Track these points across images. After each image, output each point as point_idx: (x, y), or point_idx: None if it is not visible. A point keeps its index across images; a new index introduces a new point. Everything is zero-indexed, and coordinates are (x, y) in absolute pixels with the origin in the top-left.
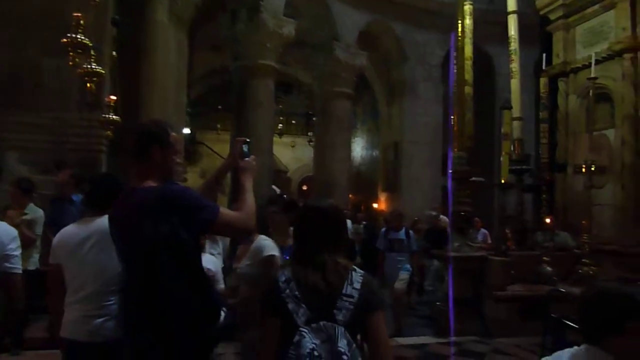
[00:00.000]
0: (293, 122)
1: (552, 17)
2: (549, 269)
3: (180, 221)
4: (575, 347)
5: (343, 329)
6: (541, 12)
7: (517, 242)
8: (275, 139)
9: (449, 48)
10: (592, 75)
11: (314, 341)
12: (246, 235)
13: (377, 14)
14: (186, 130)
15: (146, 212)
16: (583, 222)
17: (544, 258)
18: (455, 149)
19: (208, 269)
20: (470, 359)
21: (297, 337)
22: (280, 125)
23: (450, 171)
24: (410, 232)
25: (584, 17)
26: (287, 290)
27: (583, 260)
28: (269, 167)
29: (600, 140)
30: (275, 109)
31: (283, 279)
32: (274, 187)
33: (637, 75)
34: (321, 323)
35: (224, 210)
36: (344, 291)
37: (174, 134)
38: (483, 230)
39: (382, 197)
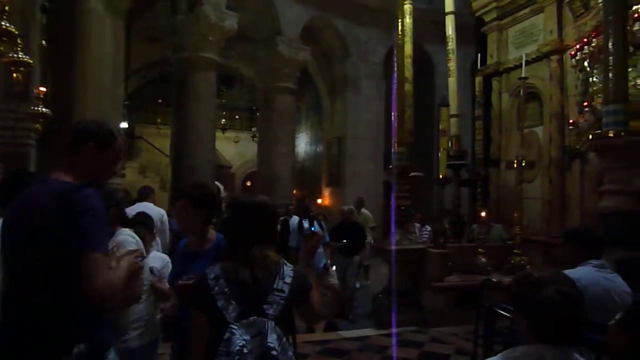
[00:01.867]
0: (237, 117)
1: (486, 18)
2: (483, 259)
3: (63, 228)
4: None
5: (273, 324)
6: (477, 14)
7: (454, 234)
8: (219, 134)
9: (390, 45)
10: (523, 75)
11: (244, 337)
12: (96, 300)
13: (320, 9)
14: (124, 124)
15: (37, 203)
16: (515, 214)
17: (479, 250)
18: (396, 145)
19: (152, 266)
20: (410, 349)
21: (227, 334)
22: (224, 120)
23: (391, 166)
24: (323, 223)
25: (515, 20)
26: (217, 288)
27: (514, 250)
28: (212, 162)
29: (530, 137)
30: (217, 103)
31: (212, 276)
32: (217, 183)
33: (563, 76)
34: (251, 318)
35: (102, 259)
36: (275, 286)
37: (118, 140)
38: (427, 226)
39: (326, 191)
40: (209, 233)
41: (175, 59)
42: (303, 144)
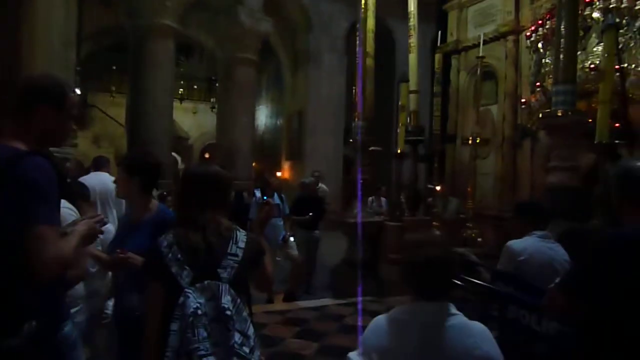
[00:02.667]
0: (195, 87)
1: None
2: (437, 232)
3: (9, 200)
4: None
5: (227, 286)
6: None
7: (411, 208)
8: (176, 104)
9: (353, 20)
10: (480, 54)
11: (199, 300)
12: (46, 275)
13: None
14: (76, 92)
15: None
16: (468, 189)
17: (434, 223)
18: (357, 119)
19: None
20: (366, 317)
21: (182, 299)
22: (181, 90)
23: (352, 140)
24: (283, 195)
25: None
26: (170, 255)
27: (467, 224)
28: (169, 133)
29: (485, 114)
30: (175, 72)
31: (165, 243)
32: (174, 154)
33: (518, 56)
34: (205, 282)
35: (48, 231)
36: (229, 250)
37: (72, 95)
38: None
39: (286, 165)
40: (150, 203)
41: (131, 25)
42: (263, 117)
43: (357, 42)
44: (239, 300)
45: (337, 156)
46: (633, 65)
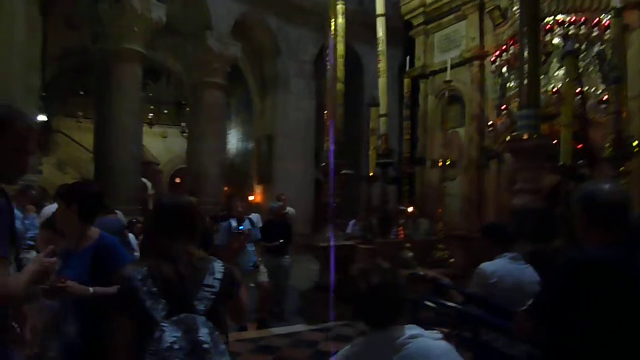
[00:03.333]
0: (165, 111)
1: (414, 22)
2: (409, 254)
3: None
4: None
5: (204, 319)
6: (405, 17)
7: (382, 230)
8: (145, 128)
9: (321, 45)
10: (447, 78)
11: (175, 334)
12: None
13: (252, 5)
14: (41, 117)
15: None
16: (438, 210)
17: (405, 244)
18: (327, 143)
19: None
20: (341, 343)
21: (157, 333)
22: (151, 114)
23: (323, 164)
24: (254, 220)
25: (441, 26)
26: (145, 288)
27: (438, 245)
28: (138, 158)
29: (452, 137)
30: (144, 96)
31: (139, 277)
32: (143, 180)
33: (483, 81)
34: (182, 315)
35: None
36: (204, 281)
37: (20, 122)
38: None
39: (257, 189)
40: (89, 231)
41: (97, 49)
42: (234, 141)
43: (327, 66)
44: (216, 333)
45: (307, 179)
46: (592, 89)
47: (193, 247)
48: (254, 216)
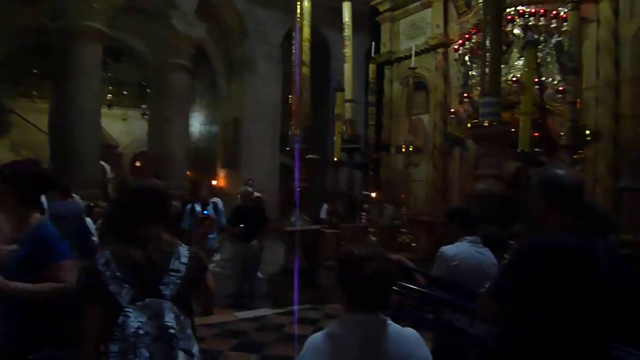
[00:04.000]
0: (125, 92)
1: (381, 8)
2: (373, 238)
3: None
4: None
5: (170, 303)
6: (372, 3)
7: (347, 215)
8: (104, 110)
9: (289, 28)
10: (412, 65)
11: (140, 319)
12: None
13: None
14: None
15: None
16: (402, 196)
17: (370, 229)
18: (293, 128)
19: None
20: (306, 325)
21: (121, 319)
22: (110, 95)
23: (288, 148)
24: (218, 205)
25: (407, 12)
26: (108, 272)
27: (402, 230)
28: (97, 141)
29: (417, 123)
30: (104, 77)
31: (102, 261)
32: (102, 163)
33: (447, 68)
34: (147, 300)
35: None
36: (170, 266)
37: None
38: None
39: (222, 173)
40: (31, 217)
41: (55, 27)
42: (198, 124)
43: (293, 50)
44: (182, 318)
45: (274, 164)
46: (550, 79)
47: (162, 231)
48: (217, 201)
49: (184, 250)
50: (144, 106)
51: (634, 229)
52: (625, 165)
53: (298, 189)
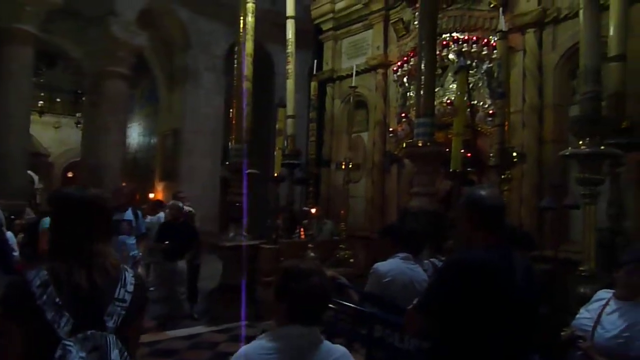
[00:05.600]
0: (58, 99)
1: (324, 27)
2: (312, 254)
3: None
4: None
5: (114, 337)
6: (315, 22)
7: (287, 230)
8: (35, 117)
9: (233, 41)
10: (353, 84)
11: (80, 354)
12: None
13: None
14: None
15: None
16: (342, 212)
17: (309, 245)
18: (233, 142)
19: None
20: (241, 343)
21: (59, 352)
22: (42, 102)
23: (227, 163)
24: (139, 212)
25: (349, 32)
26: (45, 297)
27: (341, 245)
28: (24, 149)
29: (357, 141)
30: (35, 82)
31: (37, 282)
32: (30, 173)
33: (386, 88)
34: (88, 332)
35: None
36: (116, 295)
37: None
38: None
39: (160, 186)
40: None
41: None
42: (136, 135)
43: (235, 64)
44: (126, 354)
45: (214, 177)
46: (481, 103)
47: (108, 248)
48: (160, 215)
49: (129, 277)
50: (78, 114)
51: (554, 246)
52: (547, 186)
53: (238, 204)
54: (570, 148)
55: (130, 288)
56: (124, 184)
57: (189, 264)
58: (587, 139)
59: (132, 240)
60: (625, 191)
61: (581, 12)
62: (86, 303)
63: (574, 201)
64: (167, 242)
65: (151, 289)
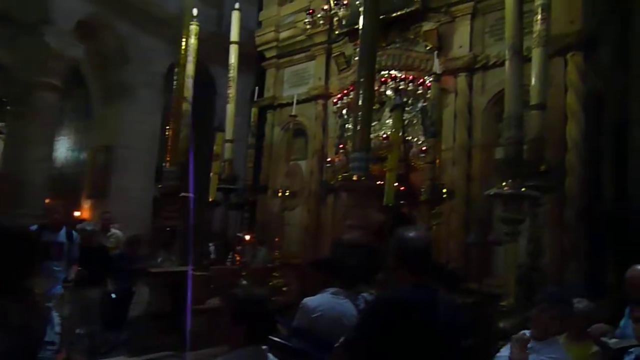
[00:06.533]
0: None
1: (267, 55)
2: (244, 282)
3: None
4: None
5: None
6: (259, 49)
7: (220, 257)
8: None
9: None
10: (293, 113)
11: None
12: None
13: (101, 6)
14: None
15: None
16: (276, 239)
17: (242, 272)
18: (168, 164)
19: None
20: None
21: None
22: None
23: (160, 185)
24: (74, 233)
25: (292, 62)
26: None
27: (274, 273)
28: None
29: (295, 169)
30: None
31: None
32: None
33: (326, 119)
34: None
35: None
36: (47, 338)
37: None
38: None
39: (86, 204)
40: None
41: None
42: (64, 149)
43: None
44: None
45: (146, 197)
46: (415, 139)
47: (38, 284)
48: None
49: (56, 317)
50: (1, 124)
51: (478, 280)
52: (474, 222)
53: (168, 228)
54: (495, 188)
55: (57, 329)
56: (48, 201)
57: (105, 294)
58: (510, 180)
59: (59, 267)
60: (543, 230)
61: (507, 61)
62: (20, 348)
63: (497, 237)
64: (79, 269)
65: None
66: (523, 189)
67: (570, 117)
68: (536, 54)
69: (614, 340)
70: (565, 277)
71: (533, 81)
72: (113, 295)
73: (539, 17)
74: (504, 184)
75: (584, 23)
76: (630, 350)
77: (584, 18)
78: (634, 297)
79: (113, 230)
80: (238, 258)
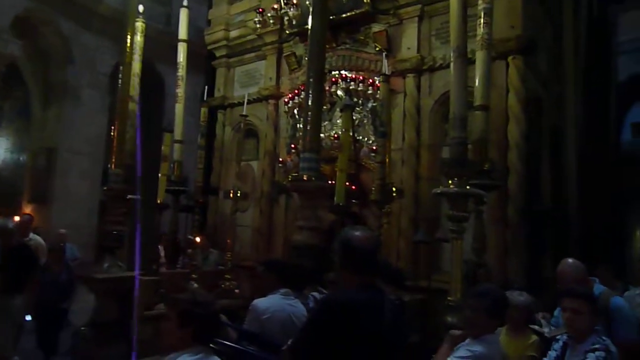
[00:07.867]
0: None
1: (217, 54)
2: (195, 285)
3: None
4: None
5: None
6: (208, 47)
7: (170, 260)
8: None
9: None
10: (244, 113)
11: None
12: None
13: (41, 2)
14: None
15: None
16: (228, 241)
17: (192, 275)
18: (113, 166)
19: None
20: None
21: None
22: None
23: (105, 188)
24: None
25: (242, 61)
26: None
27: (226, 275)
28: None
29: (246, 169)
30: None
31: None
32: None
33: (277, 119)
34: None
35: None
36: None
37: None
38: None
39: (27, 209)
40: None
41: None
42: (1, 151)
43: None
44: None
45: (92, 201)
46: (365, 139)
47: None
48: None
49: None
50: None
51: (427, 277)
52: (423, 220)
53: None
54: (441, 187)
55: None
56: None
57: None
58: (455, 179)
59: None
60: (487, 227)
61: (452, 64)
62: None
63: (444, 235)
64: None
65: None
66: (468, 188)
67: (512, 118)
68: (479, 57)
69: (546, 329)
70: (508, 271)
71: (477, 83)
72: (28, 318)
73: (482, 21)
74: (450, 182)
75: (523, 29)
76: (557, 337)
77: (523, 24)
78: (562, 288)
79: (32, 235)
80: (189, 261)
